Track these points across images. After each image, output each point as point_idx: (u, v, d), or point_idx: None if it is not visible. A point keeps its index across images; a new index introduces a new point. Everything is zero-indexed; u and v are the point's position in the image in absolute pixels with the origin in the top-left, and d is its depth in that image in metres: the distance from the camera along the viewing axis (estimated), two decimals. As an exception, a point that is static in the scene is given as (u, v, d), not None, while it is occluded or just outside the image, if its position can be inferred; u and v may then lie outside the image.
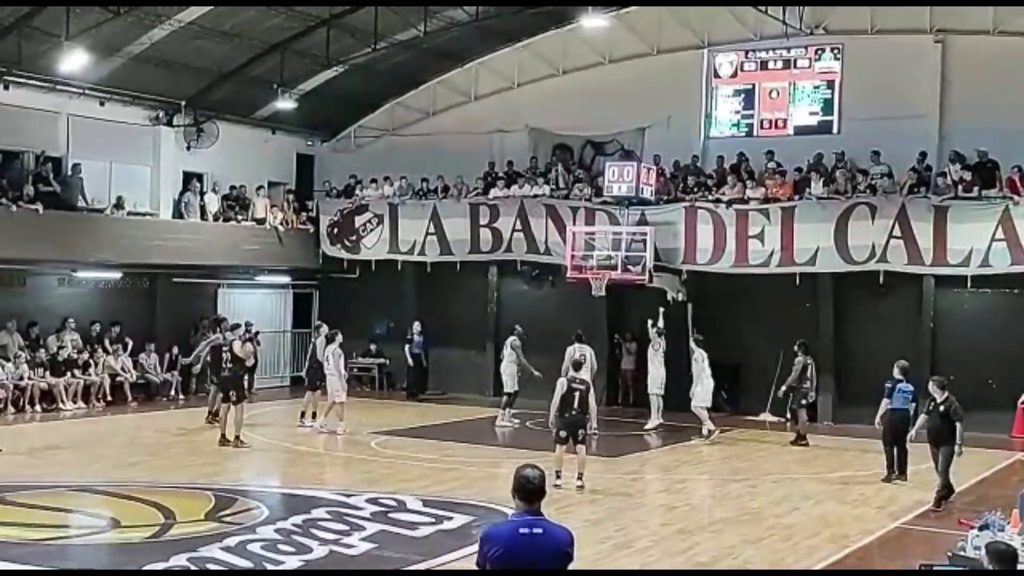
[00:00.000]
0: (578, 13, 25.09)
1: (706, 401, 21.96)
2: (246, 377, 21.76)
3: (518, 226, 27.39)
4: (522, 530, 6.38)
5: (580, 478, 16.32)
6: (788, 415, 21.79)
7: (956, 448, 14.87)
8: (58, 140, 25.71)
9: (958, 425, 14.79)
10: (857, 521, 14.77)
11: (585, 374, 18.19)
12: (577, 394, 16.70)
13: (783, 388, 21.90)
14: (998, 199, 23.24)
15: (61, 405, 23.91)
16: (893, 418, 16.76)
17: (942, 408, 15.14)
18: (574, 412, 16.66)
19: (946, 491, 15.09)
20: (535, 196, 27.55)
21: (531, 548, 6.27)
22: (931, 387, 15.58)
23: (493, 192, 28.18)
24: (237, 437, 19.39)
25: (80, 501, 15.40)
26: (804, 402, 21.58)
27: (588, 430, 17.14)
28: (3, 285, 24.53)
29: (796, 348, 21.72)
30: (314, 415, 21.90)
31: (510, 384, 23.39)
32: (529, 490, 6.14)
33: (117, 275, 26.38)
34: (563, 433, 16.64)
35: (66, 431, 21.01)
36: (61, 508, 14.70)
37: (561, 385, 16.85)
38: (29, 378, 23.98)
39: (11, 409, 23.30)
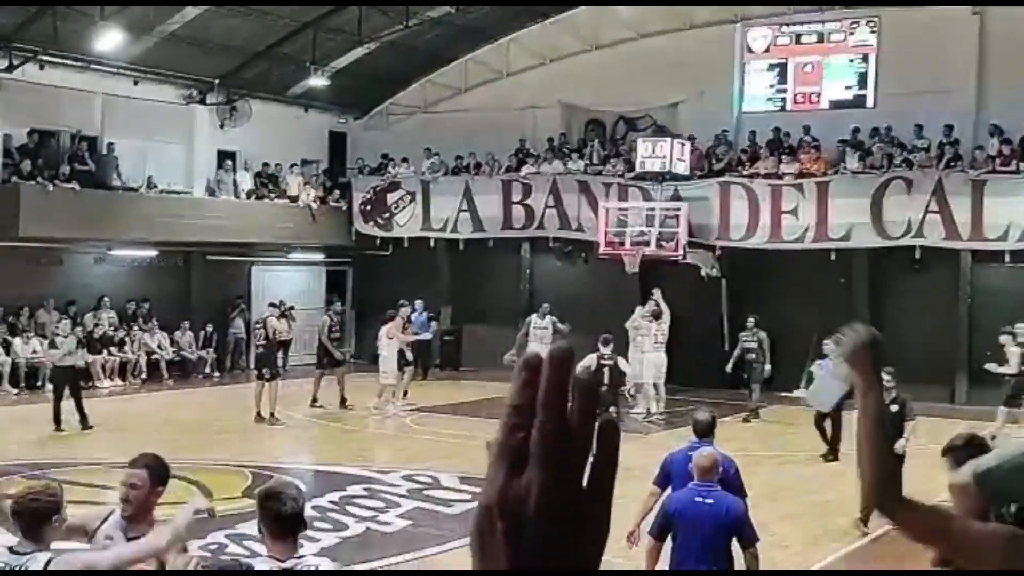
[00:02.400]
0: None
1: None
2: (280, 354, 21.97)
3: (551, 203, 27.41)
4: (696, 499, 7.98)
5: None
6: None
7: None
8: (93, 119, 25.77)
9: (907, 425, 13.38)
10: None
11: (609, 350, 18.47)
12: (606, 370, 16.95)
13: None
14: None
15: (97, 383, 23.84)
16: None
17: (894, 407, 13.59)
18: (603, 388, 16.80)
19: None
20: (568, 172, 27.48)
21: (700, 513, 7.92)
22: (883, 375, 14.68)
23: (525, 169, 28.22)
24: (272, 414, 19.59)
25: (117, 478, 15.40)
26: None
27: (620, 406, 17.45)
28: (41, 264, 24.76)
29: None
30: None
31: None
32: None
33: (152, 253, 26.61)
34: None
35: (103, 408, 20.84)
36: (99, 485, 14.48)
37: (590, 361, 16.91)
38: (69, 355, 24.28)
39: (49, 386, 22.77)
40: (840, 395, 12.98)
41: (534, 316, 23.70)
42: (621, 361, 19.04)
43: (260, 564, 6.22)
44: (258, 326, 21.28)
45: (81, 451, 17.40)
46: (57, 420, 18.57)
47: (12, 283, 23.69)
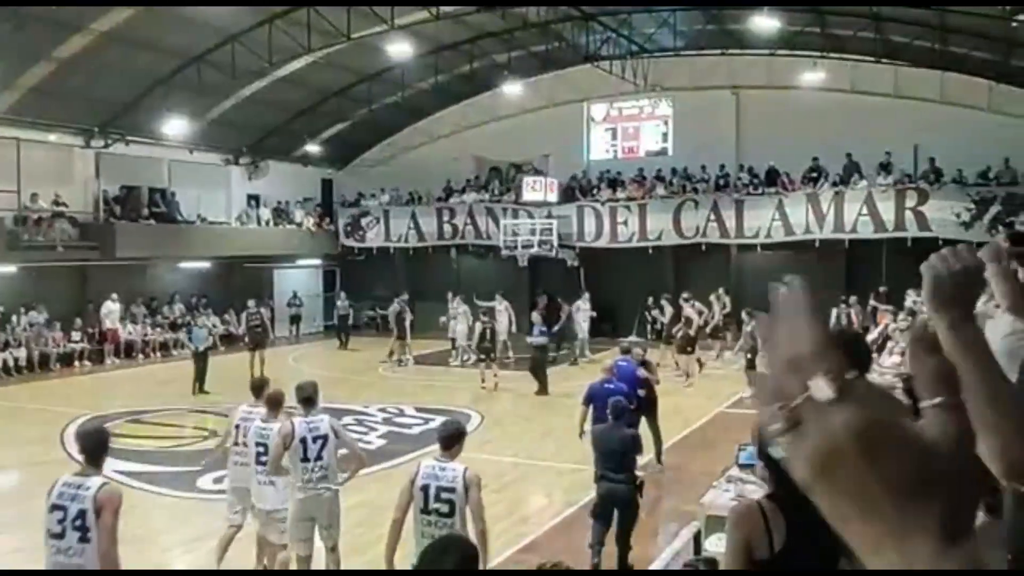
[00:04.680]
0: (501, 81, 25.96)
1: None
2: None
3: (468, 221, 28.01)
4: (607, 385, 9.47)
5: (496, 387, 17.60)
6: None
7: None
8: (163, 177, 25.85)
9: None
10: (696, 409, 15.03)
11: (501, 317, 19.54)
12: (488, 330, 18.50)
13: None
14: (774, 194, 24.65)
15: (174, 353, 24.21)
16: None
17: None
18: (487, 342, 18.38)
19: None
20: (479, 201, 28.22)
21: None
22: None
23: (452, 199, 28.91)
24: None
25: (190, 419, 15.48)
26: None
27: (497, 354, 18.65)
28: (133, 274, 24.62)
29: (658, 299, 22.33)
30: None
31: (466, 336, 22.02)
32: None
33: (206, 264, 26.59)
34: (481, 356, 18.17)
35: (178, 370, 20.58)
36: (177, 424, 14.94)
37: (479, 326, 18.59)
38: (149, 335, 24.35)
39: (140, 356, 23.77)
40: None
41: (457, 298, 23.00)
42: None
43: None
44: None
45: (166, 400, 16.84)
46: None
47: (116, 286, 23.40)
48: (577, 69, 26.60)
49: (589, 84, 27.19)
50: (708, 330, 21.47)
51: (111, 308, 23.22)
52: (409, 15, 21.08)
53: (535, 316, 19.03)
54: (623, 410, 8.37)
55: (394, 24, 20.82)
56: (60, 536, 4.98)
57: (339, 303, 26.78)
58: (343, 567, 7.61)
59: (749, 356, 16.72)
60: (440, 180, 29.55)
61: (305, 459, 6.99)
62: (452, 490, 5.64)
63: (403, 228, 29.15)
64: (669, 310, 21.43)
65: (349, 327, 26.48)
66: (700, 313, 20.41)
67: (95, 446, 5.32)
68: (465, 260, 28.96)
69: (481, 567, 5.21)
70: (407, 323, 22.60)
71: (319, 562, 7.23)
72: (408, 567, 5.32)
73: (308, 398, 7.21)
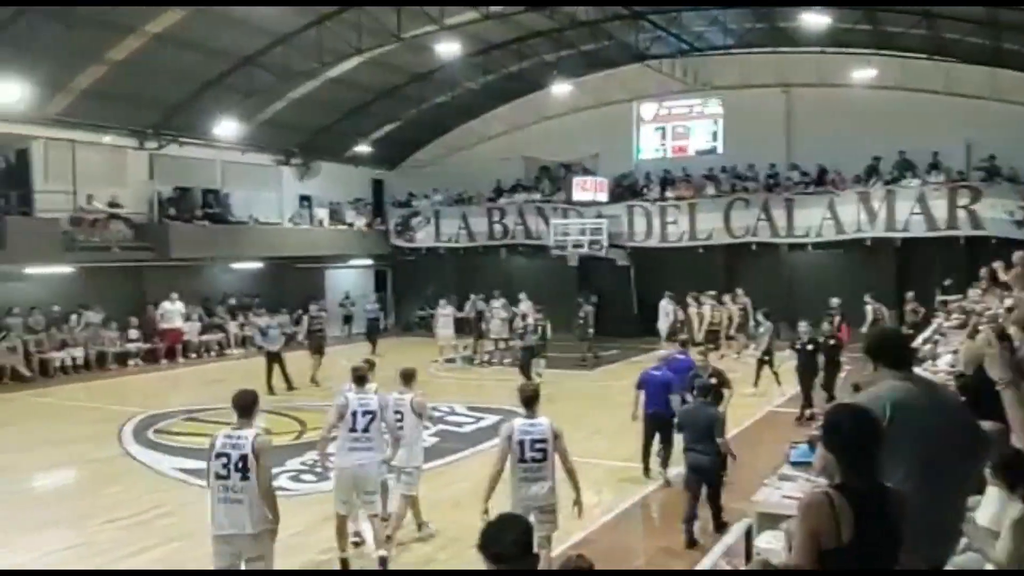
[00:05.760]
0: (551, 81, 25.75)
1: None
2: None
3: (518, 221, 28.02)
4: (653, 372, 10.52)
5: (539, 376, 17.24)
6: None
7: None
8: (216, 178, 26.14)
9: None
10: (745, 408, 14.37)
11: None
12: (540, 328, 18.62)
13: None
14: (825, 193, 24.29)
15: (228, 351, 24.56)
16: None
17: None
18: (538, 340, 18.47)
19: None
20: (529, 201, 28.22)
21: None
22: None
23: (501, 199, 28.98)
24: (313, 378, 18.94)
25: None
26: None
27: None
28: (188, 274, 24.74)
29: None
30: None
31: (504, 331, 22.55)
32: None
33: (259, 265, 26.72)
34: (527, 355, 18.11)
35: (231, 370, 20.86)
36: (232, 422, 15.23)
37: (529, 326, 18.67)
38: (204, 335, 24.52)
39: (195, 355, 23.87)
40: None
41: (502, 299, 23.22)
42: None
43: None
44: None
45: (220, 397, 17.11)
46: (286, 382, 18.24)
47: (171, 286, 23.67)
48: (626, 68, 26.56)
49: (638, 83, 27.10)
50: (723, 331, 21.72)
51: (169, 308, 23.51)
52: (459, 15, 21.08)
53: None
54: (708, 389, 9.13)
55: (444, 24, 20.86)
56: (226, 477, 6.17)
57: (368, 306, 26.24)
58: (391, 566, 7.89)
59: (765, 358, 16.44)
60: (490, 180, 29.60)
61: (353, 429, 7.93)
62: (543, 440, 6.75)
63: (453, 228, 29.24)
64: (670, 309, 21.46)
65: (378, 331, 25.52)
66: (701, 316, 20.87)
67: (247, 404, 6.38)
68: (515, 260, 28.89)
69: (575, 499, 6.91)
70: (490, 323, 22.78)
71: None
72: (508, 509, 5.98)
73: (361, 377, 8.23)
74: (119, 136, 23.27)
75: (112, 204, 22.85)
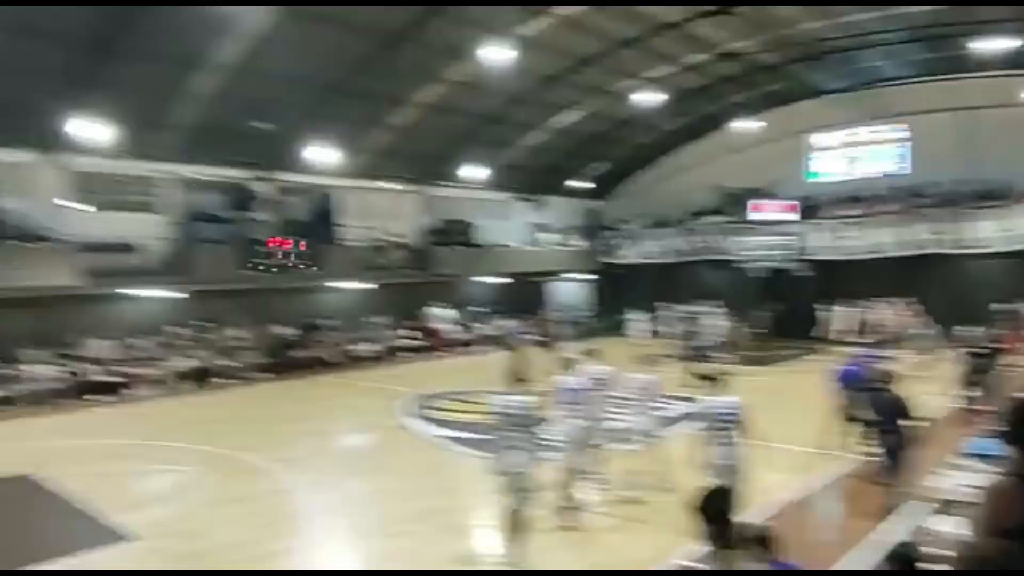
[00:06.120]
0: (737, 118, 24.14)
1: None
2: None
3: (709, 240, 26.95)
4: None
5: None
6: None
7: None
8: (470, 214, 26.99)
9: None
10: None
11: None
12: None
13: None
14: (1002, 207, 21.46)
15: (477, 347, 24.16)
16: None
17: None
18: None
19: None
20: (716, 223, 27.16)
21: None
22: None
23: (694, 222, 28.05)
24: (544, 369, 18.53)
25: (483, 399, 15.62)
26: None
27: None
28: (448, 287, 25.49)
29: None
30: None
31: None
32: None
33: (506, 280, 27.16)
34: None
35: (480, 360, 21.27)
36: (476, 402, 14.21)
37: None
38: (460, 332, 24.86)
39: (453, 349, 23.95)
40: None
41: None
42: None
43: None
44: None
45: (468, 384, 16.95)
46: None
47: (436, 297, 24.81)
48: (807, 101, 25.17)
49: (819, 113, 25.58)
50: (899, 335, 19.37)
51: (435, 313, 24.54)
52: (657, 69, 20.88)
53: None
54: (890, 375, 8.57)
55: (644, 78, 20.73)
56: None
57: (582, 312, 25.55)
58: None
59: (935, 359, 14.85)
60: (685, 205, 28.82)
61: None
62: (735, 413, 6.98)
63: (652, 247, 28.73)
64: (851, 313, 19.81)
65: (592, 332, 24.81)
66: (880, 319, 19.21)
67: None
68: (704, 271, 27.79)
69: None
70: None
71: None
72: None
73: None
74: (397, 183, 24.64)
75: (394, 235, 24.13)
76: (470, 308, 26.27)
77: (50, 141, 16.58)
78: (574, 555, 7.29)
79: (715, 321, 21.06)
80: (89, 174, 18.15)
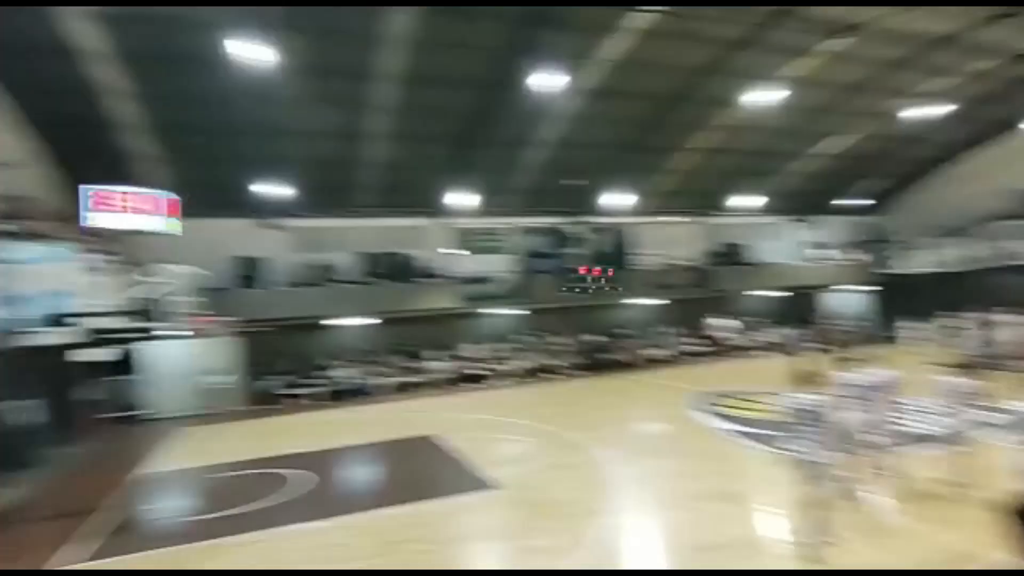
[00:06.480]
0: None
1: None
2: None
3: (999, 245, 21.92)
4: None
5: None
6: None
7: None
8: (744, 237, 25.35)
9: None
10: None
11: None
12: None
13: None
14: None
15: (756, 352, 22.56)
16: None
17: None
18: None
19: None
20: (1008, 227, 21.88)
21: None
22: None
23: (982, 228, 22.78)
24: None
25: (767, 399, 13.36)
26: None
27: None
28: (728, 301, 23.76)
29: None
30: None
31: None
32: None
33: (785, 293, 25.02)
34: None
35: (759, 364, 19.95)
36: (762, 403, 13.29)
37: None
38: (743, 341, 23.94)
39: (735, 354, 22.64)
40: None
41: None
42: None
43: None
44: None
45: (757, 383, 16.05)
46: None
47: (716, 308, 23.54)
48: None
49: None
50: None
51: (715, 323, 23.75)
52: (933, 83, 17.88)
53: None
54: None
55: (919, 94, 17.89)
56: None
57: (858, 321, 22.21)
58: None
59: None
60: (973, 213, 23.72)
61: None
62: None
63: (932, 255, 24.34)
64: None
65: (870, 340, 21.71)
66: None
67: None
68: (1003, 278, 22.52)
69: None
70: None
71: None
72: None
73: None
74: (681, 216, 24.46)
75: (680, 259, 23.70)
76: (747, 318, 24.75)
77: (437, 209, 20.17)
78: (871, 549, 6.67)
79: (1014, 329, 17.36)
80: (463, 229, 21.70)
